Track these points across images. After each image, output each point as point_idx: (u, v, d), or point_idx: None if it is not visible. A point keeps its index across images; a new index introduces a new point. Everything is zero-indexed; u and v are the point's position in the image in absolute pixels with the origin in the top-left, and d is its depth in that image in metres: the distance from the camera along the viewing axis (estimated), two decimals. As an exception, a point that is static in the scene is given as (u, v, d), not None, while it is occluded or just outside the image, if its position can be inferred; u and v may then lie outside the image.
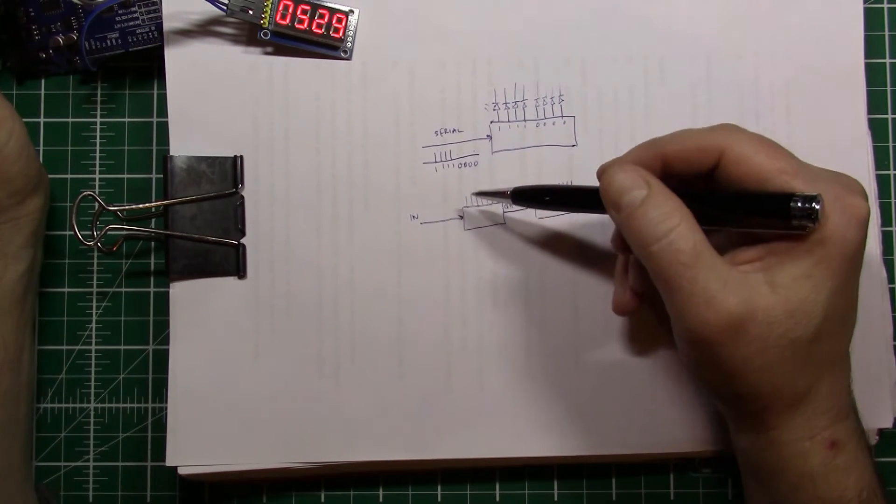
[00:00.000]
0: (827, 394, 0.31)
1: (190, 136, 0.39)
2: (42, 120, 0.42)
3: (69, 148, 0.42)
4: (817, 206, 0.28)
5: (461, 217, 0.40)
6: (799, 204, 0.28)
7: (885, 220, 0.41)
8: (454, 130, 0.40)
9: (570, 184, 0.39)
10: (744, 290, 0.29)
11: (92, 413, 0.41)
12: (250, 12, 0.38)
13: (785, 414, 0.31)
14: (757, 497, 0.34)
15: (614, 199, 0.31)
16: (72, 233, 0.41)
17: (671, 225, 0.29)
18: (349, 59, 0.40)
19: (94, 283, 0.41)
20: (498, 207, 0.39)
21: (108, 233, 0.39)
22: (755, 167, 0.30)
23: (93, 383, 0.41)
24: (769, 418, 0.31)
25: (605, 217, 0.33)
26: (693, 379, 0.32)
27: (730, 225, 0.31)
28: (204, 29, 0.39)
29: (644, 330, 0.39)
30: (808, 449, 0.31)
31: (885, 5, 0.42)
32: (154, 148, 0.42)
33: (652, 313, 0.36)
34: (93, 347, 0.41)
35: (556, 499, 0.41)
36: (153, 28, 0.40)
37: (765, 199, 0.30)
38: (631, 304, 0.36)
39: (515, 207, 0.39)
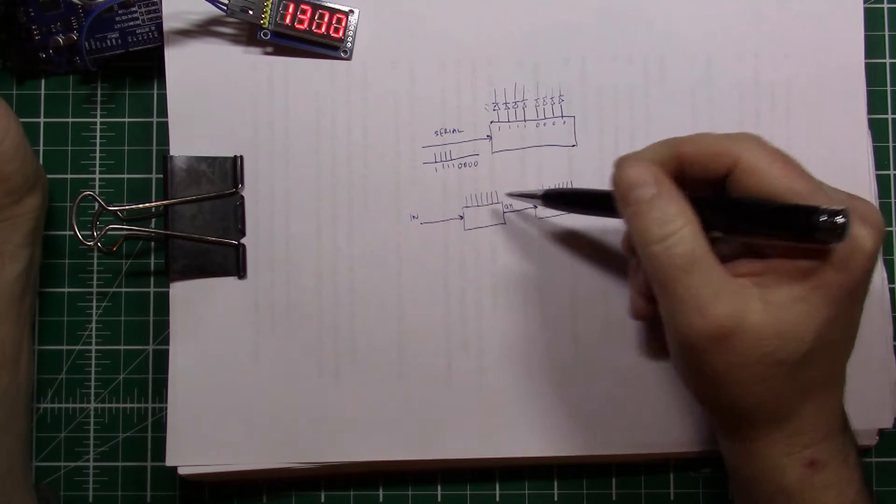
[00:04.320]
0: (812, 415, 0.31)
1: (190, 136, 0.39)
2: (42, 120, 0.42)
3: (69, 148, 0.42)
4: (841, 221, 0.27)
5: (461, 217, 0.40)
6: (822, 218, 0.27)
7: (885, 220, 0.41)
8: (454, 130, 0.40)
9: (598, 188, 0.38)
10: (736, 302, 0.29)
11: (92, 413, 0.41)
12: (250, 12, 0.38)
13: (764, 429, 0.31)
14: (739, 501, 0.34)
15: (623, 193, 0.31)
16: (72, 233, 0.41)
17: (673, 228, 0.29)
18: (349, 59, 0.40)
19: (94, 283, 0.41)
20: (498, 208, 0.39)
21: (108, 233, 0.39)
22: (767, 181, 0.29)
23: (93, 383, 0.41)
24: (748, 430, 0.31)
25: (606, 219, 0.33)
26: (680, 381, 0.32)
27: (745, 235, 0.30)
28: (204, 29, 0.39)
29: (644, 330, 0.39)
30: (785, 465, 0.31)
31: (885, 5, 0.42)
32: (154, 148, 0.42)
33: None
34: (93, 347, 0.41)
35: (556, 499, 0.41)
36: (153, 28, 0.40)
37: (787, 211, 0.28)
38: (645, 309, 0.35)
39: (516, 206, 0.39)
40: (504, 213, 0.40)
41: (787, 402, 0.30)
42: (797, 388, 0.30)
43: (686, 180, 0.31)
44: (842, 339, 0.30)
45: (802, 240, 0.28)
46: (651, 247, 0.30)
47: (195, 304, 0.39)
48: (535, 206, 0.39)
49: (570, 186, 0.39)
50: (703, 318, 0.29)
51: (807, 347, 0.29)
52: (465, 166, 0.40)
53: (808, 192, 0.29)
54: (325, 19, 0.39)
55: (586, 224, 0.39)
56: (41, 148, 0.42)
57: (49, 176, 0.41)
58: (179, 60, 0.39)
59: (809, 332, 0.29)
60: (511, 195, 0.39)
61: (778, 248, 0.30)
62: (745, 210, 0.30)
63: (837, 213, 0.27)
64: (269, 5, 0.38)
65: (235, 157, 0.39)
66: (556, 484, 0.41)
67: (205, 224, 0.39)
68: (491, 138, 0.40)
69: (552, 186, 0.39)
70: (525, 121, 0.40)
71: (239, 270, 0.39)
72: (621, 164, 0.32)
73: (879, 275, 0.39)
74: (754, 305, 0.29)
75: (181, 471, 0.38)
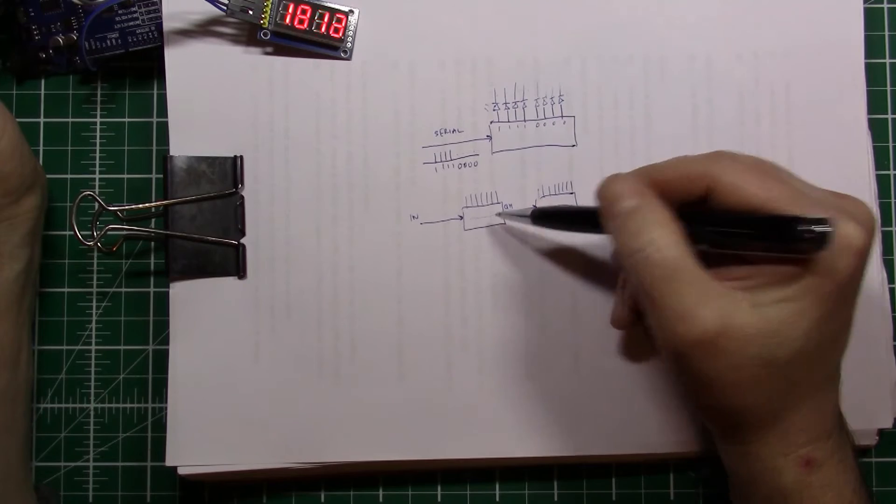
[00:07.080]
0: (807, 414, 0.31)
1: (190, 136, 0.39)
2: (42, 120, 0.42)
3: (69, 148, 0.42)
4: (820, 230, 0.27)
5: (461, 217, 0.40)
6: (803, 227, 0.27)
7: (885, 220, 0.41)
8: (454, 130, 0.40)
9: (586, 206, 0.37)
10: (721, 306, 0.29)
11: (92, 413, 0.41)
12: (250, 12, 0.38)
13: (759, 430, 0.31)
14: (738, 502, 0.34)
15: (607, 207, 0.32)
16: (72, 233, 0.41)
17: (650, 238, 0.29)
18: (349, 59, 0.40)
19: (94, 283, 0.41)
20: (498, 208, 0.39)
21: (108, 233, 0.39)
22: (745, 197, 0.29)
23: (93, 383, 0.41)
24: (743, 432, 0.31)
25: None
26: (674, 388, 0.33)
27: (731, 248, 0.30)
28: (204, 29, 0.39)
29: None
30: (781, 465, 0.31)
31: (885, 5, 0.42)
32: (154, 148, 0.42)
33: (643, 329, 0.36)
34: (93, 347, 0.41)
35: (556, 499, 0.41)
36: (153, 28, 0.40)
37: (769, 223, 0.29)
38: (626, 319, 0.37)
39: (516, 206, 0.39)
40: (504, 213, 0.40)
41: (780, 402, 0.30)
42: (790, 388, 0.30)
43: (670, 203, 0.31)
44: (834, 337, 0.30)
45: (786, 250, 0.28)
46: (632, 257, 0.30)
47: (195, 304, 0.39)
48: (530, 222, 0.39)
49: (559, 205, 0.39)
50: (686, 324, 0.29)
51: (798, 347, 0.29)
52: (465, 166, 0.40)
53: (787, 198, 0.29)
54: (325, 19, 0.39)
55: (586, 224, 0.39)
56: (41, 148, 0.42)
57: (49, 176, 0.41)
58: (179, 60, 0.39)
59: (799, 331, 0.29)
60: (501, 215, 0.39)
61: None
62: (729, 223, 0.30)
63: (819, 221, 0.27)
64: (269, 5, 0.38)
65: (235, 157, 0.39)
66: (556, 484, 0.41)
67: (205, 224, 0.39)
68: (491, 138, 0.40)
69: (551, 187, 0.39)
70: (525, 121, 0.40)
71: (239, 270, 0.39)
72: (606, 180, 0.32)
73: (879, 275, 0.39)
74: (742, 307, 0.29)
75: (181, 471, 0.38)
